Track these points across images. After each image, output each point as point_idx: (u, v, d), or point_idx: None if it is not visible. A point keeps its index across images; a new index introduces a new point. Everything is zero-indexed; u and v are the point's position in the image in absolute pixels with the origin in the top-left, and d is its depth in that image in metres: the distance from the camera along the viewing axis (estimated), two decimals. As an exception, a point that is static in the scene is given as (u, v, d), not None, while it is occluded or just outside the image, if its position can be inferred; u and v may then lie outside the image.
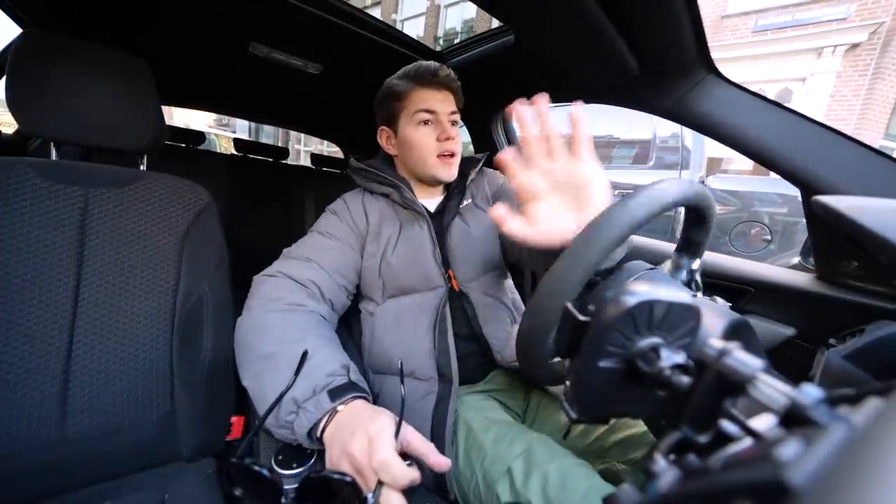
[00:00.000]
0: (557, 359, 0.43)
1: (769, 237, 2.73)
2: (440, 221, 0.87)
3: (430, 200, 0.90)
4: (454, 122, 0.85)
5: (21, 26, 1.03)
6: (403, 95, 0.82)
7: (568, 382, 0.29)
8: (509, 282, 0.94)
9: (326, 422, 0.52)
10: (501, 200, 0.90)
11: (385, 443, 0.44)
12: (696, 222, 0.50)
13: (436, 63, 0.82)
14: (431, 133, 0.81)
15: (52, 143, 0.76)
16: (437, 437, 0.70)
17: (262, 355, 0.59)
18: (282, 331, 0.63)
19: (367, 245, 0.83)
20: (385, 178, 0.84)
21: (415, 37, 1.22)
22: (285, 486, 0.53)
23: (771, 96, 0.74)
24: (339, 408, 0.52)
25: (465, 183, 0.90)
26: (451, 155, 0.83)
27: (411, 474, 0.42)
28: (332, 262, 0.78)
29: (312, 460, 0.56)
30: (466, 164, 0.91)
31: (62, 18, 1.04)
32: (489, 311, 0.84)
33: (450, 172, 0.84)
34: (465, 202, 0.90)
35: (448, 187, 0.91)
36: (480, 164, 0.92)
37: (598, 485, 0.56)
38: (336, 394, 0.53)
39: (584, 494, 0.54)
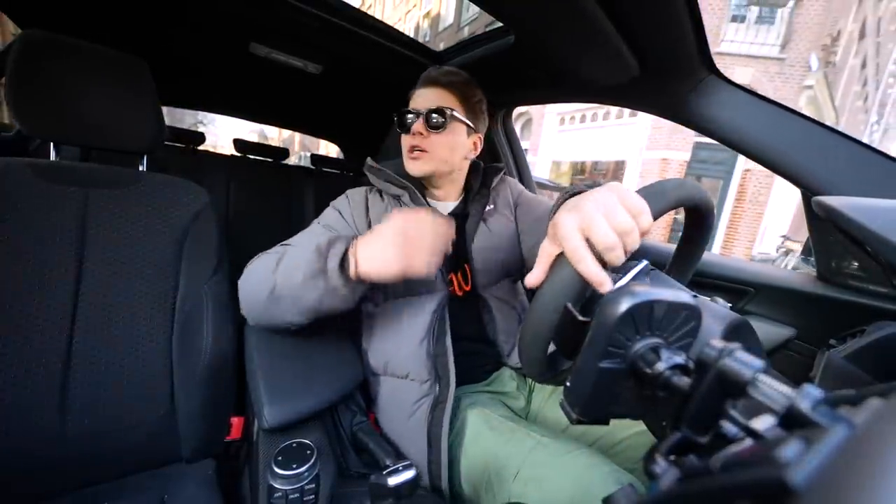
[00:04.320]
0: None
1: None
2: (460, 224, 0.88)
3: (444, 204, 0.91)
4: (433, 121, 0.78)
5: (21, 26, 1.03)
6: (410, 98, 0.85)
7: (568, 383, 0.29)
8: (520, 285, 0.97)
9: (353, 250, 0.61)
10: (522, 209, 0.95)
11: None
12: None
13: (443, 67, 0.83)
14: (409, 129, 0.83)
15: (51, 144, 0.75)
16: (434, 439, 0.70)
17: (274, 262, 0.66)
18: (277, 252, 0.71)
19: None
20: (397, 180, 0.85)
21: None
22: (285, 487, 0.53)
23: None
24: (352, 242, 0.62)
25: (489, 190, 0.93)
26: (420, 150, 0.80)
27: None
28: None
29: (312, 461, 0.56)
30: (488, 173, 0.95)
31: (62, 18, 1.04)
32: (503, 316, 0.87)
33: (414, 168, 0.81)
34: (488, 207, 0.93)
35: (467, 191, 0.94)
36: (502, 174, 0.96)
37: (618, 480, 0.55)
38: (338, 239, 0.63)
39: (603, 492, 0.53)
